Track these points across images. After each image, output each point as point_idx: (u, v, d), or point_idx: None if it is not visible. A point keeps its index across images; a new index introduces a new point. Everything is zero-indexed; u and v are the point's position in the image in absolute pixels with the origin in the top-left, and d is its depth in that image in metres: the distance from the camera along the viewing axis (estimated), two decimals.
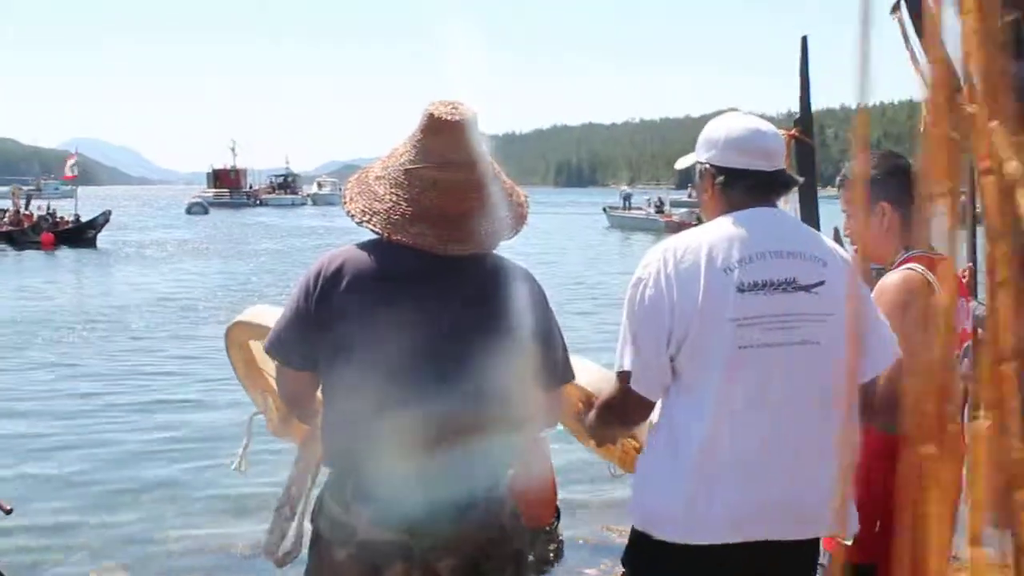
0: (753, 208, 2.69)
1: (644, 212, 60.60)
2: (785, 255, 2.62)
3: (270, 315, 3.46)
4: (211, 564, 6.38)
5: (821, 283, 2.62)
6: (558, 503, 5.59)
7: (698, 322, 2.54)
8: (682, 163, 2.95)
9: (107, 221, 43.09)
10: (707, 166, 2.79)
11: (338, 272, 2.57)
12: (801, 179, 3.11)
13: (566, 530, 6.10)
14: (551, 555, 5.73)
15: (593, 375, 3.18)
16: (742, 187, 2.72)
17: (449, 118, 2.58)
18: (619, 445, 3.49)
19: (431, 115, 2.59)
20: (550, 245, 37.53)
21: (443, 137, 2.57)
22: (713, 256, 2.57)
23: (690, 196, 68.69)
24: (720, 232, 2.64)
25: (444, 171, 2.57)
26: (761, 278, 2.57)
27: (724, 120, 2.83)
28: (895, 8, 4.44)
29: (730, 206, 2.71)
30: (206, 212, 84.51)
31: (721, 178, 2.74)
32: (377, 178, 2.67)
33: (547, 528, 5.57)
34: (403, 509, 2.52)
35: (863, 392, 2.72)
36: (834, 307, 2.63)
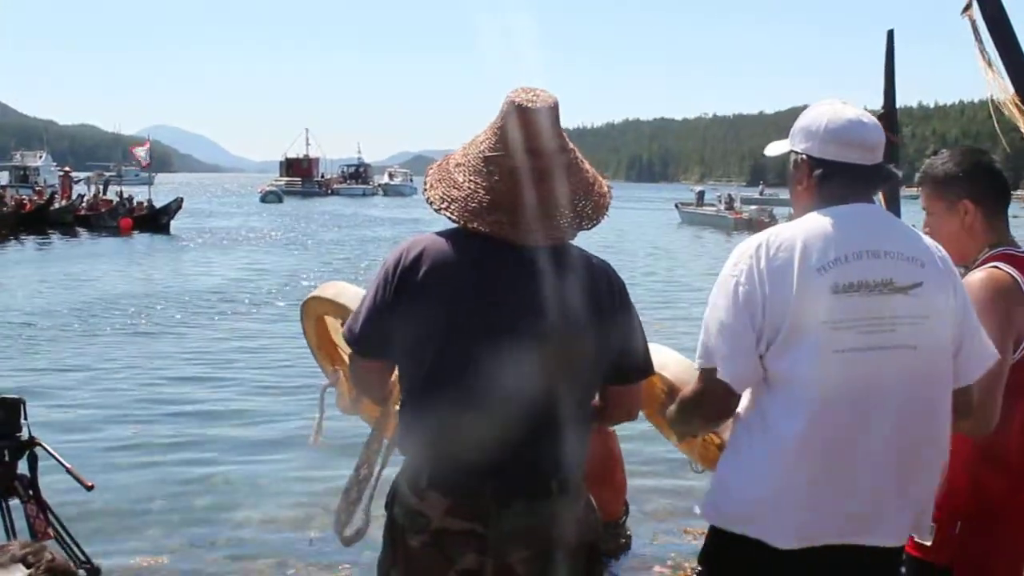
0: (850, 204, 2.60)
1: (715, 209, 60.13)
2: (882, 255, 2.52)
3: (348, 292, 3.50)
4: (281, 544, 6.45)
5: (919, 284, 2.53)
6: (627, 497, 5.60)
7: (790, 322, 2.46)
8: (773, 150, 2.85)
9: (179, 208, 43.83)
10: (803, 157, 2.68)
11: (417, 261, 2.55)
12: (900, 173, 3.01)
13: (635, 524, 6.08)
14: (619, 549, 5.73)
15: (678, 366, 3.15)
16: (840, 181, 2.62)
17: (529, 105, 2.54)
18: (700, 440, 3.46)
19: (511, 102, 2.56)
20: (621, 239, 37.35)
21: (523, 125, 2.54)
22: (807, 254, 2.48)
23: (761, 193, 67.90)
24: (815, 228, 2.54)
25: (523, 159, 2.54)
26: (857, 279, 2.48)
27: (824, 109, 2.70)
28: (967, 8, 4.38)
29: (826, 200, 2.62)
30: (280, 200, 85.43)
31: (819, 171, 2.64)
32: (457, 165, 2.65)
33: (616, 521, 5.57)
34: (478, 500, 2.53)
35: (956, 397, 2.65)
36: (932, 309, 2.55)
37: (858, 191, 2.63)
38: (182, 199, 45.28)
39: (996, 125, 4.41)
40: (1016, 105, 4.32)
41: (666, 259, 33.32)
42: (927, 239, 2.72)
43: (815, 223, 2.57)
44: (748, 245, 2.58)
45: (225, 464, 8.30)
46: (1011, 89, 4.37)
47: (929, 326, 2.55)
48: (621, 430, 4.51)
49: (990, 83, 4.42)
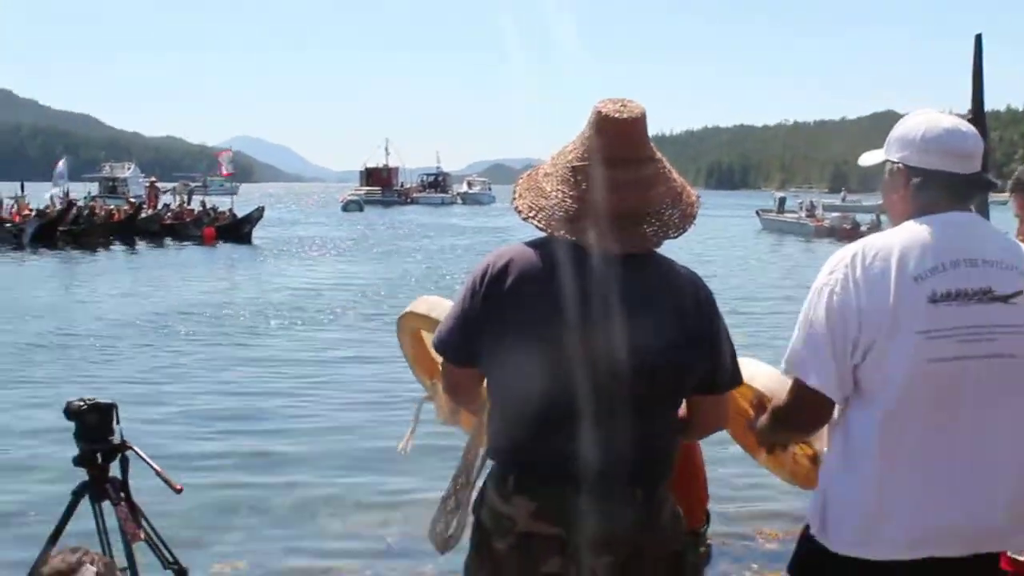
0: (947, 212, 2.58)
1: (796, 216, 59.50)
2: (980, 263, 2.49)
3: (440, 307, 3.54)
4: (361, 550, 6.52)
5: (1019, 293, 2.49)
6: (708, 506, 5.56)
7: (887, 331, 2.45)
8: (867, 159, 2.82)
9: (260, 217, 44.57)
10: (900, 166, 2.66)
11: (505, 270, 2.58)
12: (998, 182, 2.97)
13: (716, 532, 6.04)
14: (700, 558, 5.69)
15: (766, 377, 3.13)
16: (938, 190, 2.59)
17: (617, 115, 2.56)
18: (790, 455, 3.42)
19: (599, 112, 2.58)
20: (703, 247, 37.10)
21: (610, 134, 2.55)
22: (904, 263, 2.47)
23: (843, 200, 66.95)
24: (912, 237, 2.53)
25: (610, 168, 2.55)
26: (955, 288, 2.46)
27: (921, 118, 2.68)
28: None
29: (923, 209, 2.59)
30: (361, 209, 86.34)
31: (916, 179, 2.62)
32: (546, 175, 2.67)
33: (698, 531, 5.52)
34: (563, 504, 2.53)
35: None
36: None
37: (955, 200, 2.60)
38: (263, 208, 45.97)
39: None
40: None
41: (746, 266, 33.02)
42: None
43: (912, 231, 2.55)
44: (844, 253, 2.57)
45: (307, 473, 8.40)
46: None
47: None
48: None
49: None
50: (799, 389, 2.60)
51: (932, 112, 2.72)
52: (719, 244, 43.25)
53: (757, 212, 67.22)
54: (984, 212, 4.46)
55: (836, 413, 2.62)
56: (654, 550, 2.60)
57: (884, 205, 2.78)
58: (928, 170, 2.60)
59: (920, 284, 2.46)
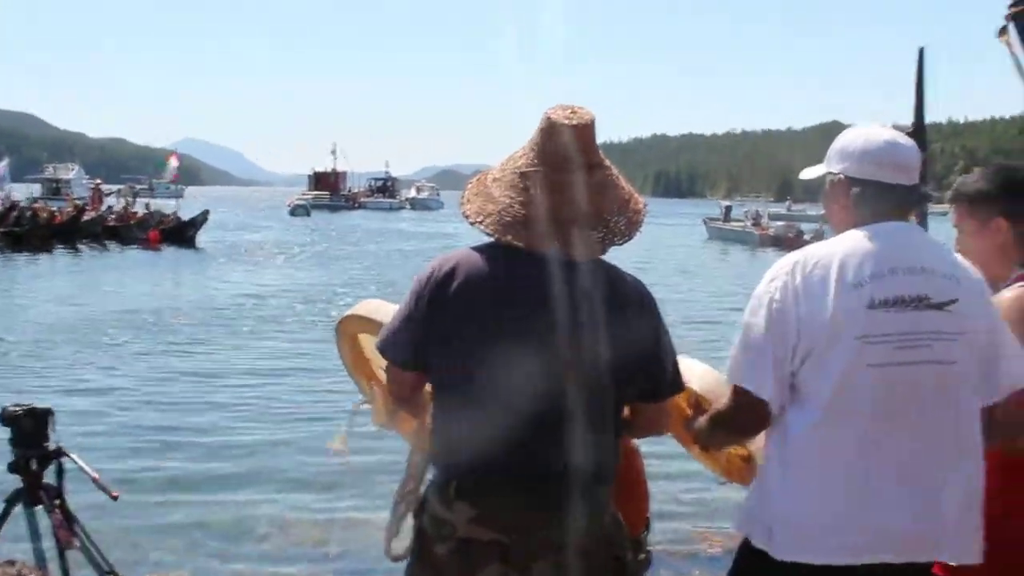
0: (887, 222, 2.62)
1: (742, 225, 60.12)
2: (917, 271, 2.54)
3: (382, 310, 3.52)
4: (303, 560, 6.47)
5: (954, 301, 2.55)
6: (649, 513, 5.57)
7: (826, 338, 2.49)
8: (809, 174, 2.88)
9: (205, 220, 44.31)
10: (840, 177, 2.71)
11: (450, 275, 2.58)
12: (935, 194, 3.04)
13: (659, 540, 6.06)
14: (640, 565, 5.70)
15: (704, 378, 3.15)
16: (877, 200, 2.64)
17: (567, 122, 2.58)
18: (724, 453, 3.45)
19: (549, 119, 2.60)
20: (649, 255, 37.30)
21: (559, 141, 2.57)
22: (844, 270, 2.51)
23: (788, 209, 67.75)
24: (852, 245, 2.57)
25: (559, 174, 2.57)
26: (892, 294, 2.50)
27: (861, 131, 2.74)
28: (1002, 31, 4.42)
29: (863, 219, 2.64)
30: (308, 214, 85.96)
31: (856, 190, 2.67)
32: (494, 180, 2.69)
33: (638, 537, 5.53)
34: (504, 510, 2.54)
35: (989, 414, 2.66)
36: (967, 326, 2.56)
37: (894, 210, 2.65)
38: (208, 212, 45.68)
39: None
40: None
41: (692, 275, 33.26)
42: (960, 258, 2.73)
43: (852, 240, 2.59)
44: (785, 262, 2.61)
45: (247, 482, 8.32)
46: None
47: (964, 342, 2.56)
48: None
49: None
50: (738, 395, 2.63)
51: (873, 126, 2.77)
52: (666, 252, 43.50)
53: (704, 221, 67.85)
54: (923, 223, 4.53)
55: (775, 419, 2.64)
56: (595, 556, 2.60)
57: (825, 216, 2.84)
58: (868, 181, 2.66)
59: (859, 291, 2.50)
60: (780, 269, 2.59)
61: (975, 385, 2.60)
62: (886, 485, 2.53)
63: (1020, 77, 4.47)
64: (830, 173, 2.75)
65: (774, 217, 62.89)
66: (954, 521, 2.60)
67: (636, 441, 3.67)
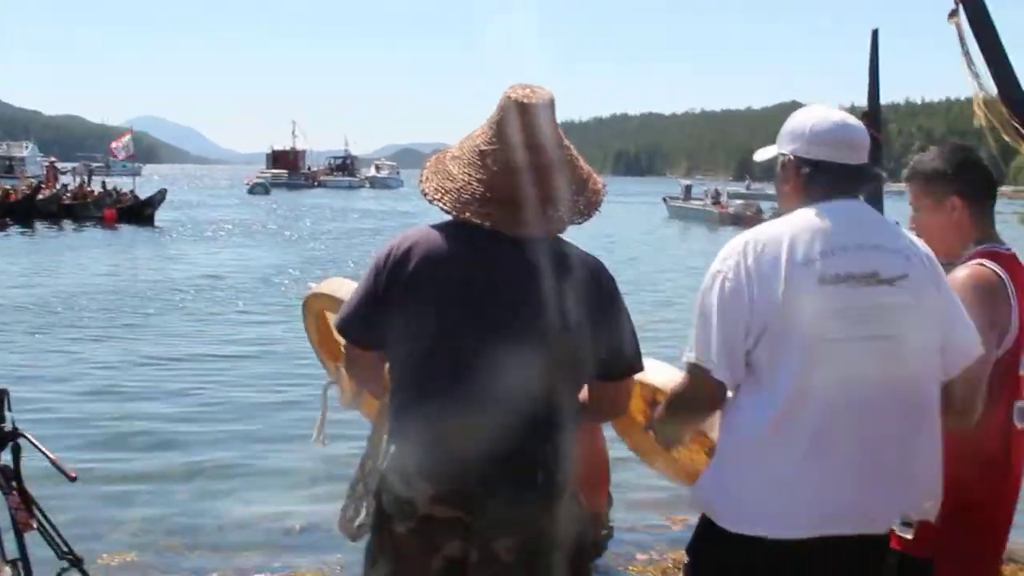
0: (836, 200, 2.66)
1: (702, 203, 60.38)
2: (868, 248, 2.58)
3: (347, 287, 3.52)
4: (266, 536, 6.43)
5: (904, 276, 2.59)
6: (610, 489, 5.61)
7: (778, 315, 2.51)
8: (762, 155, 2.90)
9: (163, 199, 43.90)
10: (791, 158, 2.75)
11: (408, 252, 2.59)
12: (884, 174, 3.08)
13: (616, 512, 6.09)
14: (602, 540, 5.74)
15: (663, 374, 3.17)
16: (826, 180, 2.68)
17: (526, 101, 2.59)
18: (687, 454, 3.46)
19: (508, 97, 2.61)
20: (610, 234, 37.35)
21: (519, 120, 2.58)
22: (794, 249, 2.54)
23: (748, 188, 68.17)
24: (802, 224, 2.60)
25: (518, 153, 2.58)
26: (843, 270, 2.53)
27: (810, 112, 2.78)
28: (952, 14, 4.48)
29: (813, 199, 2.68)
30: (268, 192, 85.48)
31: (806, 170, 2.71)
32: (453, 158, 2.70)
33: (600, 513, 5.57)
34: (464, 487, 2.55)
35: (944, 389, 2.70)
36: (917, 300, 2.60)
37: (843, 189, 2.69)
38: (165, 190, 45.29)
39: (982, 124, 4.51)
40: (997, 107, 4.44)
41: (653, 253, 33.36)
42: (911, 236, 2.78)
43: (801, 219, 2.63)
44: (736, 242, 2.63)
45: (207, 459, 8.24)
46: (994, 91, 4.49)
47: (915, 317, 2.60)
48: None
49: (974, 86, 4.54)
50: (692, 373, 2.66)
51: (822, 107, 2.81)
52: (627, 231, 43.58)
53: (664, 199, 68.03)
54: (878, 201, 4.58)
55: (729, 397, 2.67)
56: (555, 532, 2.62)
57: (777, 196, 2.88)
58: (817, 161, 2.70)
59: (809, 267, 2.53)
60: (732, 249, 2.62)
61: (930, 359, 2.64)
62: (842, 459, 2.56)
63: (963, 59, 4.54)
64: (781, 154, 2.79)
65: (733, 196, 63.18)
66: (903, 494, 2.65)
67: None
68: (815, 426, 2.54)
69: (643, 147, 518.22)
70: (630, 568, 5.87)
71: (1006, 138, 4.44)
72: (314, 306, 3.89)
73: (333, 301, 3.66)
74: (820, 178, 2.69)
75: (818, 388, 2.53)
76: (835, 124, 2.71)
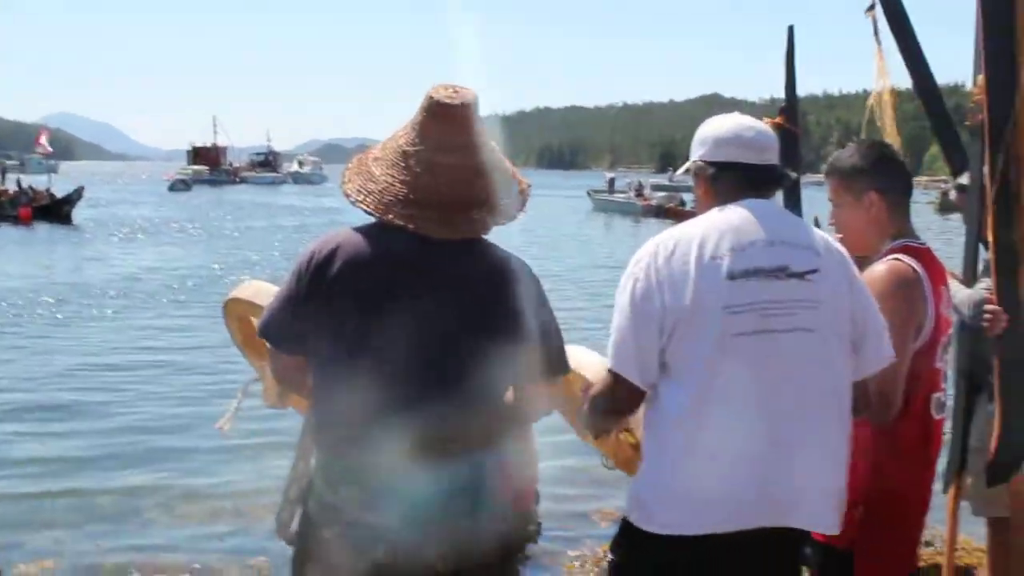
0: (745, 200, 2.70)
1: (625, 196, 60.77)
2: (777, 243, 2.62)
3: (265, 291, 3.48)
4: (191, 542, 6.36)
5: (815, 271, 2.63)
6: (538, 487, 5.63)
7: (689, 313, 2.54)
8: (682, 169, 2.95)
9: (80, 197, 43.01)
10: (699, 163, 2.81)
11: (331, 256, 2.56)
12: (794, 175, 3.14)
13: (545, 508, 6.11)
14: (530, 537, 5.76)
15: (597, 366, 3.18)
16: (732, 180, 2.74)
17: (449, 101, 2.58)
18: (615, 441, 3.49)
19: (431, 98, 2.59)
20: (535, 228, 37.41)
21: (442, 120, 2.57)
22: (703, 248, 2.58)
23: (670, 180, 68.86)
24: (710, 223, 2.65)
25: (441, 154, 2.57)
26: (752, 265, 2.57)
27: (714, 120, 2.86)
28: (870, 8, 4.58)
29: (722, 199, 2.73)
30: (189, 189, 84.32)
31: (711, 171, 2.77)
32: (375, 159, 2.67)
33: (528, 511, 5.58)
34: (390, 493, 2.53)
35: (858, 387, 2.75)
36: (828, 295, 2.64)
37: (751, 189, 2.74)
38: (83, 188, 44.32)
39: (881, 115, 4.63)
40: (892, 102, 4.59)
41: (578, 247, 33.49)
42: (823, 233, 2.83)
43: (711, 219, 2.68)
44: (648, 245, 2.67)
45: (129, 465, 8.11)
46: (904, 84, 4.62)
47: (826, 311, 2.64)
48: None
49: (880, 81, 4.66)
50: (609, 375, 2.70)
51: (728, 114, 2.88)
52: (552, 224, 43.69)
53: (588, 192, 68.34)
54: (796, 197, 4.67)
55: (649, 396, 2.70)
56: (484, 534, 2.61)
57: (695, 202, 2.92)
58: (724, 162, 2.77)
59: (718, 264, 2.57)
60: (644, 251, 2.66)
61: (842, 356, 2.69)
62: (754, 453, 2.60)
63: (876, 52, 4.64)
64: (692, 161, 2.85)
65: (656, 188, 63.59)
66: (817, 487, 2.69)
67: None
68: (726, 421, 2.58)
69: (567, 141, 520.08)
70: (560, 563, 5.90)
71: (886, 133, 4.58)
72: (234, 310, 3.85)
73: (251, 306, 3.63)
74: (726, 179, 2.75)
75: (728, 383, 2.57)
76: (738, 126, 2.79)
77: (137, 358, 12.95)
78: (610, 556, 2.90)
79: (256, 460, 7.20)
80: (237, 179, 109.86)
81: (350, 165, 2.74)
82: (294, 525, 3.05)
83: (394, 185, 2.58)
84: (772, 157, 2.81)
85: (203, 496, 7.28)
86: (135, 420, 9.74)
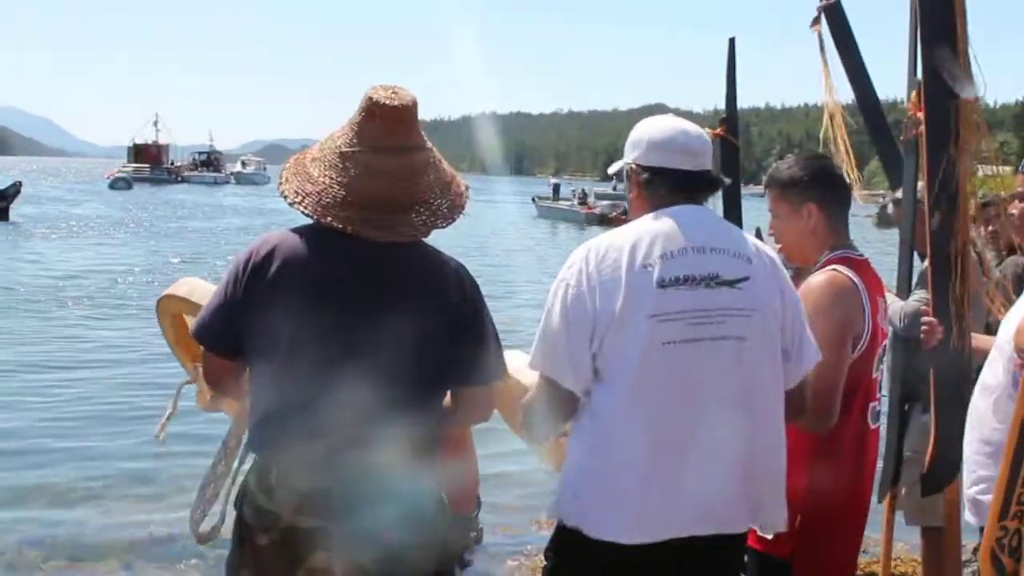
0: (677, 206, 2.70)
1: (569, 203, 60.95)
2: (708, 251, 2.63)
3: (200, 289, 3.43)
4: (123, 544, 6.27)
5: (745, 279, 2.64)
6: (479, 492, 5.61)
7: (620, 319, 2.54)
8: (614, 168, 2.95)
9: (18, 192, 42.17)
10: (632, 166, 2.80)
11: (268, 258, 2.54)
12: (728, 180, 3.15)
13: (487, 515, 6.10)
14: (471, 543, 5.74)
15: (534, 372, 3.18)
16: (665, 185, 2.74)
17: (388, 102, 2.56)
18: (556, 444, 3.49)
19: (370, 99, 2.57)
20: (477, 234, 37.38)
21: (380, 121, 2.55)
22: (634, 254, 2.58)
23: (614, 189, 69.32)
24: (642, 229, 2.65)
25: (379, 156, 2.55)
26: (682, 273, 2.58)
27: (649, 121, 2.85)
28: (815, 22, 4.63)
29: (654, 204, 2.73)
30: (130, 187, 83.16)
31: (645, 176, 2.77)
32: (313, 160, 2.64)
33: (468, 516, 5.57)
34: (326, 497, 2.51)
35: (789, 397, 2.76)
36: (759, 303, 2.65)
37: (683, 194, 2.74)
38: (20, 183, 43.49)
39: (834, 130, 4.66)
40: (840, 116, 4.63)
41: (519, 254, 33.49)
42: (754, 240, 2.83)
43: (642, 225, 2.68)
44: (580, 251, 2.67)
45: (60, 465, 7.96)
46: (848, 99, 4.67)
47: (757, 320, 2.65)
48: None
49: (826, 94, 4.70)
50: (542, 382, 2.69)
51: (663, 116, 2.89)
52: (497, 231, 43.65)
53: (533, 199, 68.49)
54: (736, 205, 4.71)
55: (582, 402, 2.69)
56: (420, 539, 2.60)
57: (628, 205, 2.92)
58: (656, 168, 2.76)
59: (648, 271, 2.57)
60: (576, 257, 2.65)
61: (774, 364, 2.70)
62: (686, 461, 2.60)
63: (822, 67, 4.69)
64: (626, 163, 2.84)
65: (600, 196, 63.85)
66: (749, 494, 2.70)
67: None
68: (657, 429, 2.59)
69: (512, 147, 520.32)
70: (500, 571, 5.89)
71: (839, 148, 4.61)
72: (168, 308, 3.80)
73: (186, 304, 3.59)
74: (660, 184, 2.74)
75: (656, 391, 2.57)
76: (672, 131, 2.78)
77: (72, 357, 12.70)
78: (545, 562, 2.90)
79: (191, 465, 7.09)
80: (179, 178, 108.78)
81: (287, 165, 2.72)
82: (206, 523, 3.01)
83: (332, 187, 2.56)
84: (706, 162, 2.81)
85: (137, 501, 7.17)
86: (69, 415, 9.61)
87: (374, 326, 2.51)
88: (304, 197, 2.58)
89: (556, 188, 70.58)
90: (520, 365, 2.99)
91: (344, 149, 2.59)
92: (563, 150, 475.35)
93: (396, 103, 2.56)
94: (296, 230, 2.62)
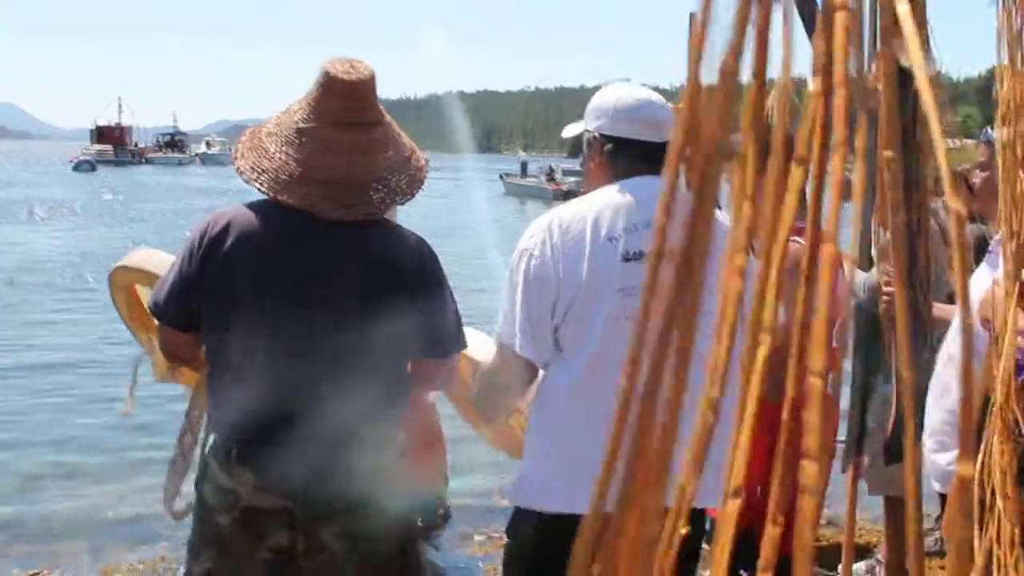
0: (640, 177, 2.68)
1: (536, 180, 60.95)
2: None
3: (154, 259, 3.40)
4: (92, 525, 6.23)
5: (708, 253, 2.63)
6: (447, 469, 5.62)
7: (584, 292, 2.53)
8: (569, 131, 2.93)
9: None
10: (595, 135, 2.78)
11: (223, 233, 2.51)
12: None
13: (456, 495, 6.10)
14: (439, 520, 5.75)
15: (486, 347, 3.18)
16: (630, 156, 2.71)
17: (345, 77, 2.52)
18: (510, 427, 3.48)
19: (326, 73, 2.53)
20: (445, 210, 37.26)
21: (338, 96, 2.52)
22: (598, 226, 2.56)
23: (581, 165, 69.32)
24: (606, 201, 2.63)
25: (337, 131, 2.52)
26: (646, 247, 2.55)
27: (614, 89, 2.81)
28: None
29: (617, 175, 2.71)
30: (94, 169, 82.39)
31: (609, 146, 2.74)
32: (269, 135, 2.61)
33: (436, 493, 5.57)
34: (287, 476, 2.49)
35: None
36: (720, 276, 2.65)
37: (647, 165, 2.71)
38: None
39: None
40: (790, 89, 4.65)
41: (485, 230, 33.40)
42: (718, 211, 2.82)
43: (605, 196, 2.66)
44: (542, 220, 2.66)
45: (25, 448, 7.90)
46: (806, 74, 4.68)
47: (717, 291, 2.63)
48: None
49: (781, 68, 4.71)
50: (502, 351, 2.69)
51: (627, 84, 2.87)
52: (462, 207, 43.49)
53: (501, 176, 68.41)
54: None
55: (542, 374, 2.69)
56: (383, 515, 2.59)
57: (583, 173, 2.89)
58: (620, 138, 2.74)
59: (613, 244, 2.57)
60: (538, 227, 2.63)
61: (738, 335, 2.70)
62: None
63: (784, 40, 4.70)
64: (587, 131, 2.82)
65: (568, 173, 63.85)
66: (716, 466, 2.71)
67: (431, 397, 3.68)
68: (609, 401, 2.58)
69: (479, 124, 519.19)
70: (466, 546, 5.89)
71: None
72: (121, 280, 3.77)
73: (140, 273, 3.55)
74: (623, 155, 2.72)
75: (615, 364, 2.56)
76: (638, 101, 2.75)
77: (31, 342, 12.56)
78: (506, 539, 2.90)
79: (158, 444, 7.05)
80: (143, 160, 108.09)
81: (243, 139, 2.68)
82: (179, 500, 2.99)
83: (289, 163, 2.53)
84: (670, 133, 2.79)
85: (103, 483, 7.12)
86: (29, 396, 9.48)
87: (330, 301, 2.49)
88: (260, 174, 2.55)
89: (524, 165, 70.49)
90: (472, 342, 2.98)
91: (301, 125, 2.55)
92: (530, 127, 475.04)
93: (354, 77, 2.52)
94: (251, 205, 2.60)
